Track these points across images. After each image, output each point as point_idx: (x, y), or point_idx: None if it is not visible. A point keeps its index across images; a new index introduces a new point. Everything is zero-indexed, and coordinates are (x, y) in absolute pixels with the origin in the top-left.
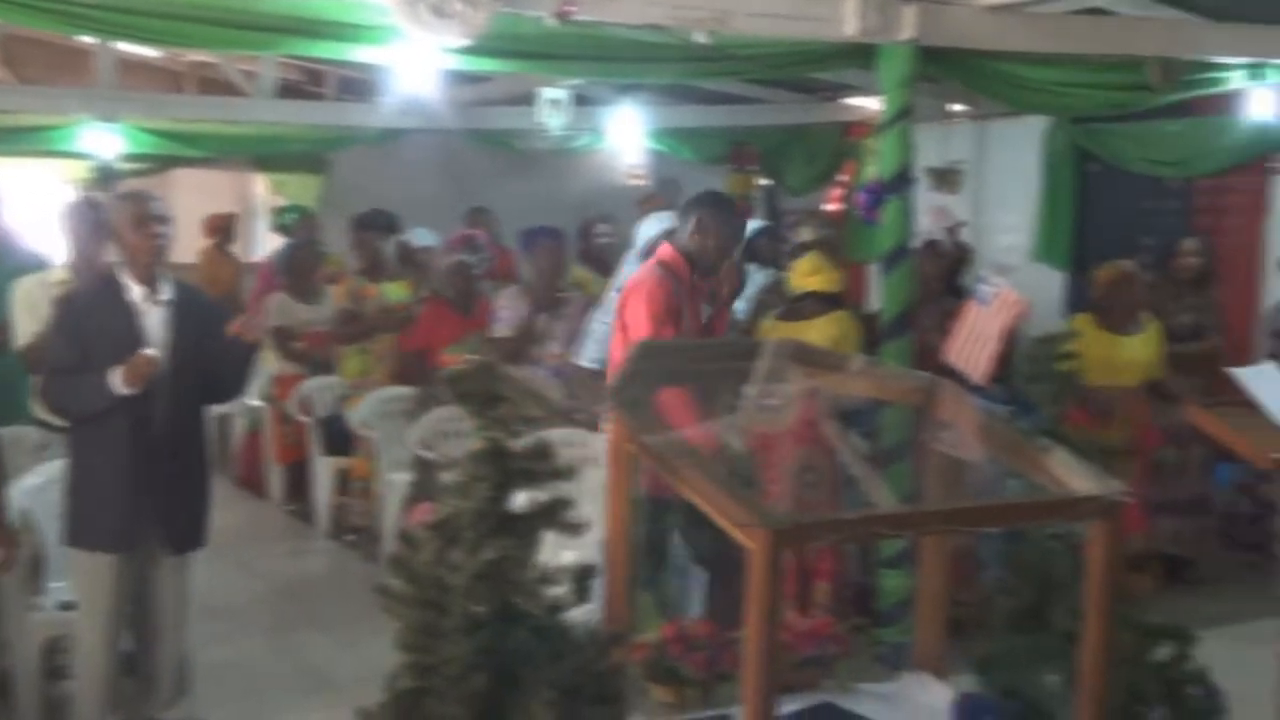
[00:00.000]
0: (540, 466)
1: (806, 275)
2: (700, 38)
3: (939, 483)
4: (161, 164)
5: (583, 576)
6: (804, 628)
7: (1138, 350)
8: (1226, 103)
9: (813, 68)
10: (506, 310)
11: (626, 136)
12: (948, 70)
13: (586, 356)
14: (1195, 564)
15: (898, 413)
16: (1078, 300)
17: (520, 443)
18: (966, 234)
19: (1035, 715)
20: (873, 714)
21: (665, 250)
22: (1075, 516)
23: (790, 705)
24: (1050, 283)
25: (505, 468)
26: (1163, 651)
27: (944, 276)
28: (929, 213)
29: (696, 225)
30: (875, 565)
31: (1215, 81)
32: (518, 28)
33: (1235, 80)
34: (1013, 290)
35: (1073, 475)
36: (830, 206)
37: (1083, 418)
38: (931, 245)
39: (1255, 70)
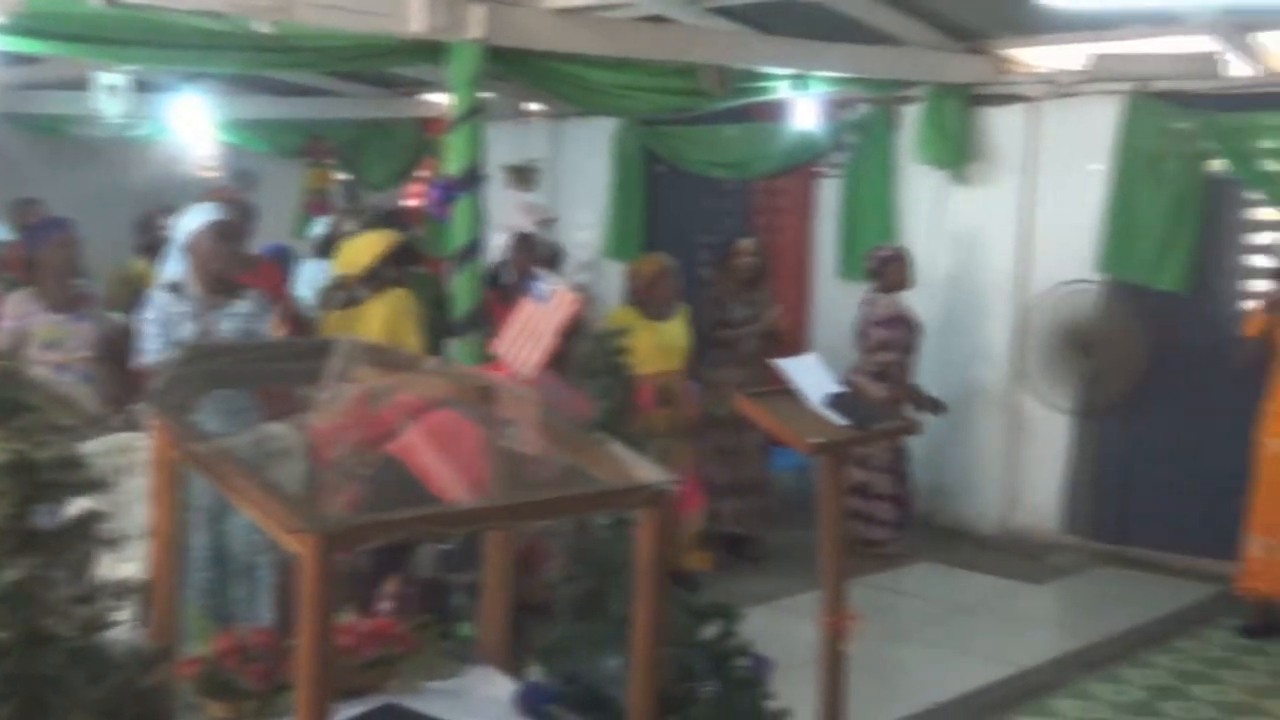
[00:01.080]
0: (72, 478)
1: (341, 262)
2: (262, 27)
3: (504, 478)
4: None
5: (129, 591)
6: (367, 629)
7: (676, 335)
8: (779, 110)
9: (381, 62)
10: (8, 319)
11: (192, 126)
12: (516, 70)
13: (147, 352)
14: (755, 542)
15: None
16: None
17: (49, 453)
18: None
19: (595, 699)
20: (437, 711)
21: None
22: (627, 505)
23: (352, 709)
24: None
25: (31, 481)
26: (712, 629)
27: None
28: (519, 208)
29: None
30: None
31: (764, 90)
32: (63, 8)
33: (782, 89)
34: (568, 289)
35: (626, 465)
36: (411, 202)
37: (643, 403)
38: (525, 238)
39: (799, 81)
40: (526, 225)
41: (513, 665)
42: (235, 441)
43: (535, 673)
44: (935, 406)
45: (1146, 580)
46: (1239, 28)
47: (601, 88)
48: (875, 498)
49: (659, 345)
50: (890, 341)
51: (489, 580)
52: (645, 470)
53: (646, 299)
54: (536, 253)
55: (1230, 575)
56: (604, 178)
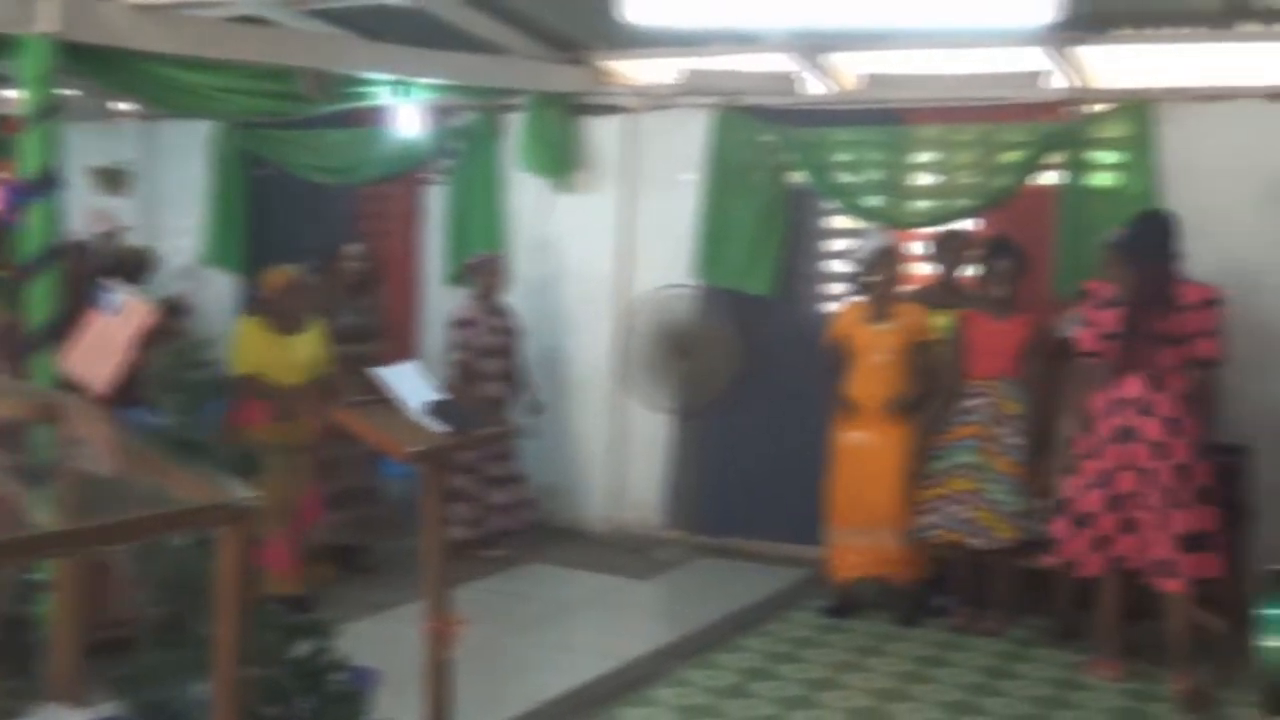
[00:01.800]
0: None
1: None
2: None
3: (78, 502)
4: None
5: None
6: None
7: (306, 349)
8: (385, 116)
9: None
10: None
11: None
12: (95, 68)
13: None
14: (365, 552)
15: (46, 431)
16: (252, 303)
17: None
18: (141, 237)
19: None
20: None
21: None
22: (205, 525)
23: None
24: (225, 286)
25: None
26: (305, 646)
27: (92, 279)
28: (87, 215)
29: None
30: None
31: (365, 95)
32: None
33: (384, 95)
34: (141, 300)
35: (203, 484)
36: None
37: (260, 417)
38: (80, 247)
39: (401, 87)
40: (90, 233)
41: (86, 699)
42: None
43: (112, 706)
44: (535, 408)
45: (742, 569)
46: (812, 49)
47: (192, 89)
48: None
49: (284, 359)
50: (461, 342)
51: (57, 611)
52: (225, 488)
53: (276, 311)
54: (95, 262)
55: (813, 559)
56: (202, 181)
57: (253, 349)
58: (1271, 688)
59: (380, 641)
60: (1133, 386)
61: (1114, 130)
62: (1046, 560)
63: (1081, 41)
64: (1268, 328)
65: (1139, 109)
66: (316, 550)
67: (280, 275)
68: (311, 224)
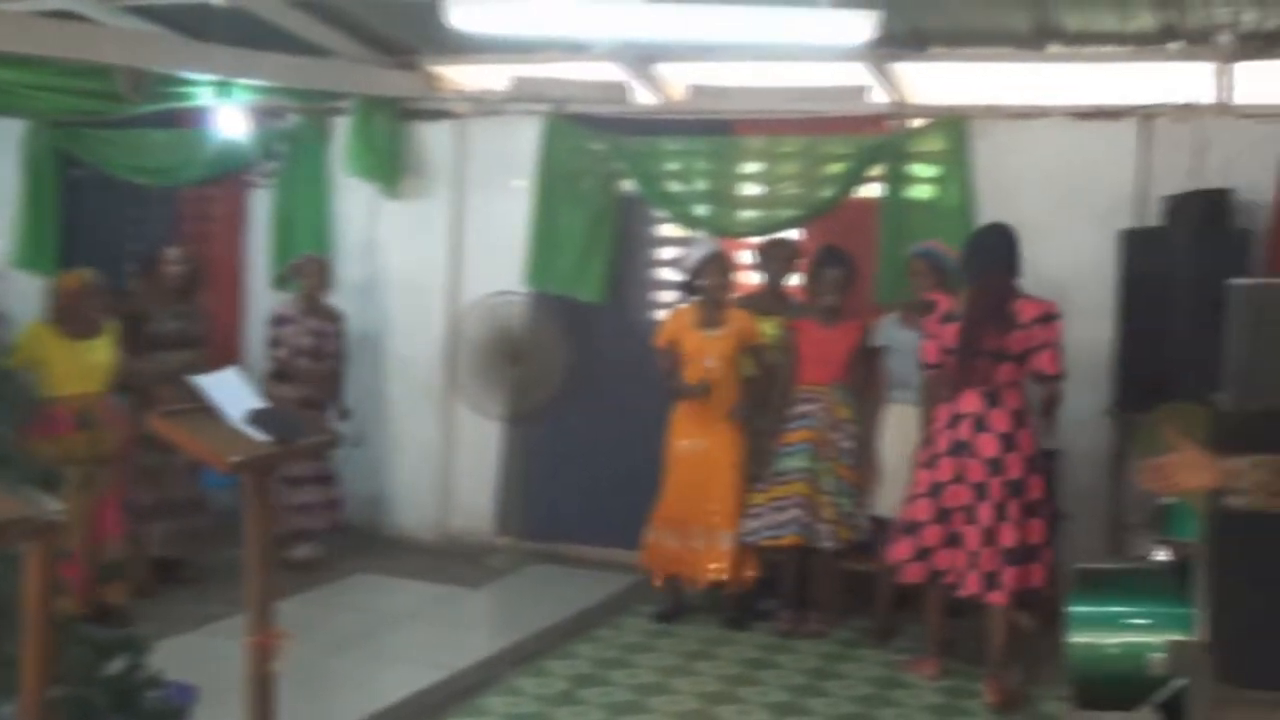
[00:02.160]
0: None
1: None
2: None
3: None
4: None
5: None
6: None
7: (100, 353)
8: (208, 117)
9: None
10: None
11: None
12: None
13: None
14: (187, 564)
15: None
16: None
17: None
18: None
19: None
20: None
21: None
22: (8, 540)
23: None
24: (37, 290)
25: None
26: (118, 663)
27: None
28: None
29: None
30: None
31: (185, 96)
32: None
33: (206, 96)
34: None
35: (6, 498)
36: None
37: (58, 429)
38: None
39: (223, 88)
40: None
41: None
42: None
43: None
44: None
45: (574, 575)
46: (642, 59)
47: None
48: None
49: (79, 365)
50: (276, 339)
51: None
52: (28, 502)
53: (67, 316)
54: None
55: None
56: (12, 182)
57: (41, 354)
58: (1079, 683)
59: (202, 656)
60: (970, 401)
61: (931, 145)
62: (871, 563)
63: (900, 59)
64: (1075, 341)
65: (954, 124)
66: (126, 565)
67: (73, 278)
68: (131, 226)
